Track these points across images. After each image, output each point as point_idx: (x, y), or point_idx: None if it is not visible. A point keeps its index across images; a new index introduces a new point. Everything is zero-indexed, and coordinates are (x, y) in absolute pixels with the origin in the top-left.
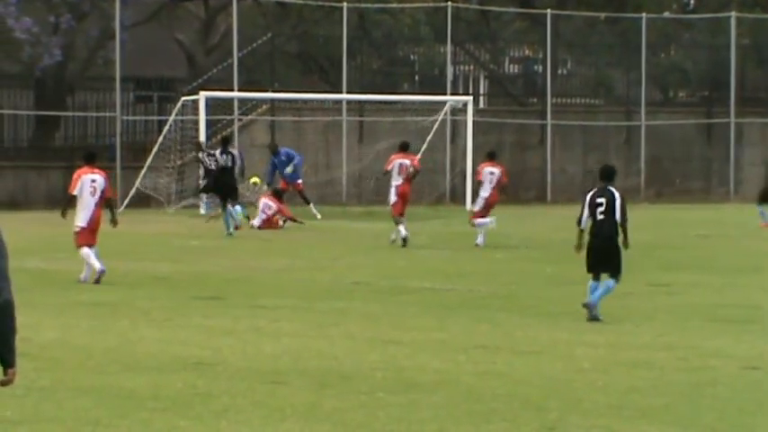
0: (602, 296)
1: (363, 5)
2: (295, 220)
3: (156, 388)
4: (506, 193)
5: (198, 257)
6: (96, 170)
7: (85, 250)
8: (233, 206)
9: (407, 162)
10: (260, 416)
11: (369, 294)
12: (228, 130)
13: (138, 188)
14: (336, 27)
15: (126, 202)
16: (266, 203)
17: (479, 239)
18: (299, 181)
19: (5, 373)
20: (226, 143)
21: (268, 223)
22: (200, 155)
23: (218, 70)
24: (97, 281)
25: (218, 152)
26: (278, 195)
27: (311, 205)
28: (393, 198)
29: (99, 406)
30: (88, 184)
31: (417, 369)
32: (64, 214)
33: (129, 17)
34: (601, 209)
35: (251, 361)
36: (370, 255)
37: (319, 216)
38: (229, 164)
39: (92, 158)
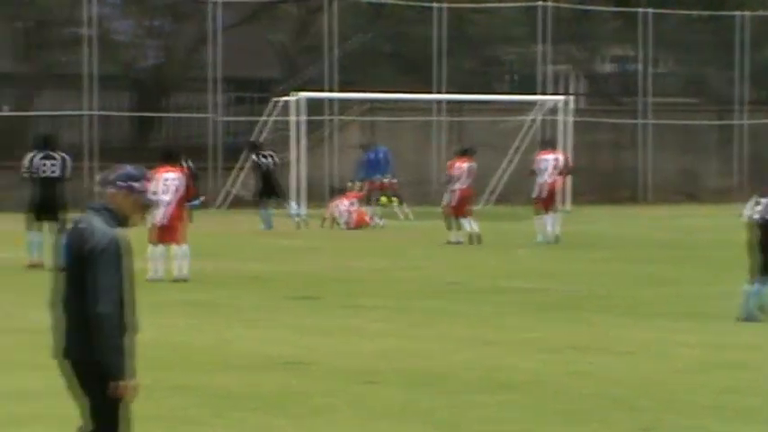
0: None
1: (458, 5)
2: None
3: (251, 387)
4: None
5: (292, 257)
6: (173, 168)
7: (152, 248)
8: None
9: (474, 166)
10: (354, 415)
11: (463, 294)
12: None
13: (230, 190)
14: (431, 27)
15: (220, 202)
16: (351, 203)
17: (549, 232)
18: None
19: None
20: (254, 148)
21: (358, 222)
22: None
23: (315, 71)
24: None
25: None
26: (339, 193)
27: (395, 205)
28: (454, 200)
29: (196, 404)
30: (162, 182)
31: (510, 369)
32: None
33: (226, 19)
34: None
35: (345, 360)
36: (465, 255)
37: (401, 216)
38: (271, 166)
39: (168, 157)
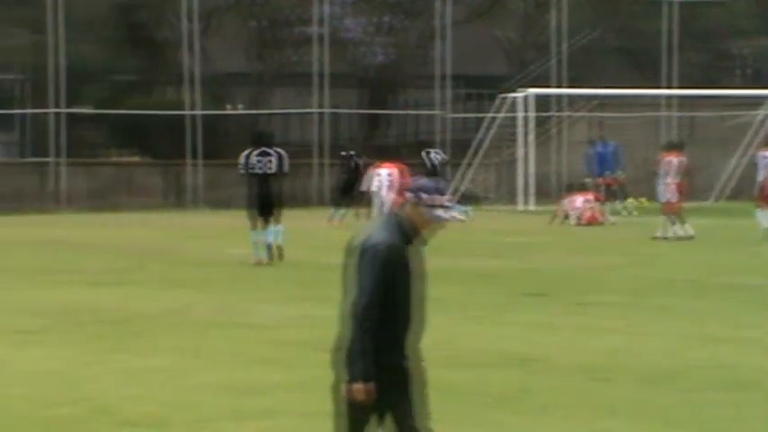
0: None
1: None
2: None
3: (480, 383)
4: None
5: (522, 254)
6: (391, 164)
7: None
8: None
9: (684, 160)
10: (584, 412)
11: (695, 291)
12: (553, 127)
13: (462, 188)
14: (660, 21)
15: (453, 197)
16: (583, 199)
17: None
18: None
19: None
20: (425, 145)
21: (589, 219)
22: (423, 154)
23: (544, 67)
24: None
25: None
26: (577, 189)
27: (617, 202)
28: (672, 195)
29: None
30: (376, 177)
31: (745, 367)
32: (357, 214)
33: (455, 15)
34: None
35: (575, 357)
36: (695, 251)
37: (625, 213)
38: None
39: (386, 153)
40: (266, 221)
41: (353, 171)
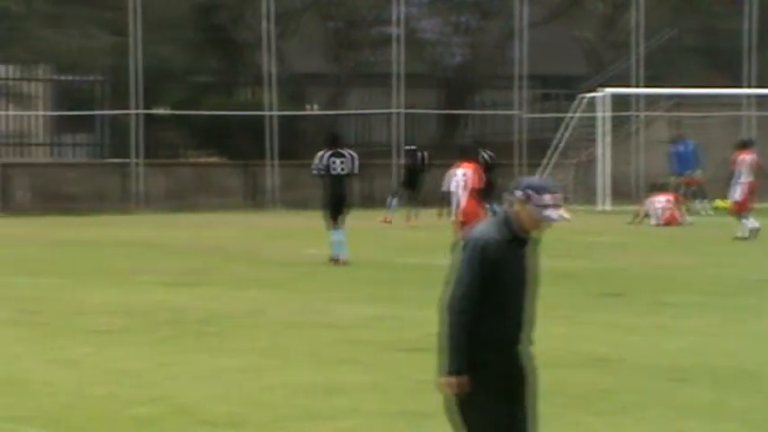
0: None
1: None
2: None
3: (560, 384)
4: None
5: (602, 254)
6: (467, 164)
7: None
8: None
9: (755, 158)
10: (663, 413)
11: None
12: (629, 126)
13: None
14: (741, 20)
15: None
16: (659, 200)
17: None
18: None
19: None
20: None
21: (668, 220)
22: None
23: (621, 67)
24: None
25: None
26: (659, 189)
27: (696, 202)
28: (741, 194)
29: None
30: (454, 178)
31: None
32: (439, 214)
33: (533, 15)
34: None
35: (654, 358)
36: None
37: (701, 214)
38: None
39: (465, 153)
40: (337, 221)
41: (419, 165)
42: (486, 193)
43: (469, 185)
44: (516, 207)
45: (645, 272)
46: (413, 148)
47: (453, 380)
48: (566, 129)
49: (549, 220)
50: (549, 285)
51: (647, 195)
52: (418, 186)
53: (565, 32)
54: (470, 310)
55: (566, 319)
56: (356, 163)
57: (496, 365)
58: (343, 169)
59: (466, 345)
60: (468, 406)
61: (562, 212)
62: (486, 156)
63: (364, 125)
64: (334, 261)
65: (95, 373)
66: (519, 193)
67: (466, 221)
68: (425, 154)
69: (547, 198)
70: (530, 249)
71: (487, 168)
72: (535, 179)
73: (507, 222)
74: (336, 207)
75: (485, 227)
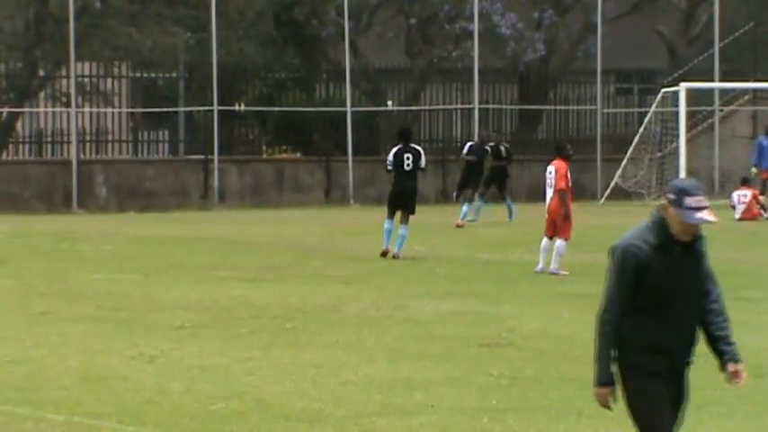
0: None
1: None
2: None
3: None
4: None
5: None
6: (558, 162)
7: (543, 242)
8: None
9: None
10: (743, 410)
11: None
12: (709, 121)
13: (617, 183)
14: None
15: (606, 193)
16: (740, 194)
17: None
18: None
19: (725, 368)
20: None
21: (748, 214)
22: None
23: (699, 61)
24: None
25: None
26: (746, 183)
27: None
28: None
29: (582, 396)
30: (547, 175)
31: None
32: (567, 216)
33: (611, 10)
34: None
35: None
36: None
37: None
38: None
39: (560, 151)
40: (401, 215)
41: (503, 159)
42: (498, 184)
43: (559, 184)
44: (667, 212)
45: (725, 266)
46: (491, 143)
47: (599, 391)
48: (647, 124)
49: (700, 221)
50: None
51: (737, 187)
52: (504, 181)
53: (643, 27)
54: (614, 320)
55: None
56: (423, 158)
57: (655, 368)
58: (408, 165)
59: (609, 357)
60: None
61: (710, 215)
62: (502, 148)
63: (442, 121)
64: (385, 251)
65: (175, 368)
66: (671, 196)
67: (552, 220)
68: (506, 145)
69: (698, 200)
70: (693, 252)
71: (500, 160)
72: (685, 181)
73: (661, 226)
74: (397, 201)
75: (634, 232)
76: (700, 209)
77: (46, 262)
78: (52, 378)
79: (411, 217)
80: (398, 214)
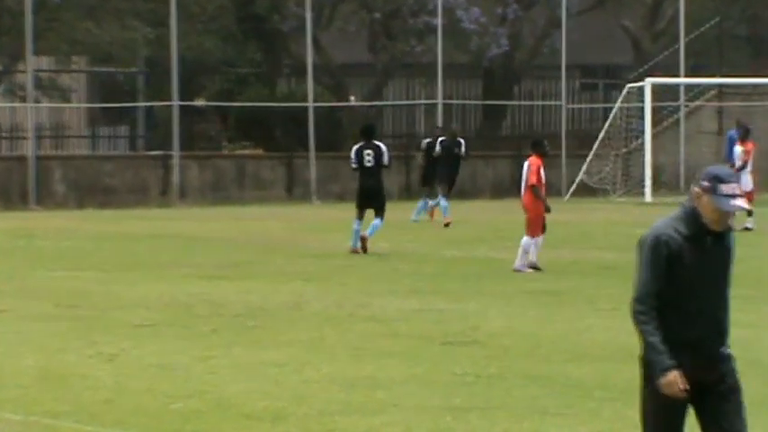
0: None
1: None
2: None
3: (604, 378)
4: None
5: None
6: (531, 158)
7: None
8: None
9: None
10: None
11: None
12: (675, 116)
13: (582, 179)
14: None
15: (571, 190)
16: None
17: None
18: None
19: None
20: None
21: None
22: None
23: (665, 56)
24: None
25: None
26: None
27: None
28: None
29: (547, 395)
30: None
31: None
32: (547, 209)
33: (575, 5)
34: None
35: None
36: None
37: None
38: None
39: (536, 146)
40: (363, 213)
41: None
42: (426, 180)
43: (531, 180)
44: (698, 200)
45: None
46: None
47: (666, 380)
48: (612, 119)
49: (734, 209)
50: (591, 278)
51: None
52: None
53: (608, 22)
54: (649, 311)
55: (612, 313)
56: (385, 155)
57: (691, 368)
58: (369, 161)
59: (660, 341)
60: (647, 405)
61: (745, 202)
62: (438, 143)
63: (405, 116)
64: (354, 251)
65: (134, 367)
66: (705, 183)
67: (530, 216)
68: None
69: (732, 187)
70: (723, 243)
71: (430, 154)
72: (719, 168)
73: (692, 216)
74: (363, 200)
75: (665, 222)
76: (734, 196)
77: (2, 259)
78: (9, 377)
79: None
80: (360, 211)
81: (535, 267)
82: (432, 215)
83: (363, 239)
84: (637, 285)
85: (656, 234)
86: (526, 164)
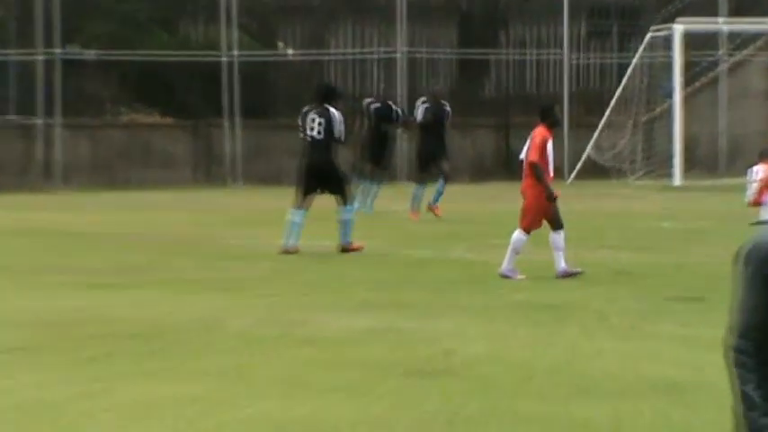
0: None
1: None
2: None
3: (617, 418)
4: None
5: (672, 244)
6: (538, 127)
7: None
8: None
9: None
10: None
11: None
12: (713, 72)
13: (589, 156)
14: None
15: (576, 170)
16: (758, 170)
17: None
18: None
19: None
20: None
21: (760, 197)
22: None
23: None
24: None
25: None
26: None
27: None
28: None
29: None
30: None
31: None
32: (549, 196)
33: None
34: None
35: None
36: None
37: None
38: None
39: (543, 114)
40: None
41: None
42: (375, 155)
43: (530, 157)
44: None
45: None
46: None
47: None
48: (629, 77)
49: None
50: (600, 286)
51: (756, 163)
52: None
53: None
54: (756, 352)
55: (623, 332)
56: (337, 125)
57: None
58: (318, 132)
59: (760, 404)
60: None
61: None
62: (396, 109)
63: (355, 72)
64: (287, 251)
65: None
66: None
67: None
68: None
69: None
70: None
71: (380, 123)
72: None
73: None
74: (309, 180)
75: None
76: None
77: None
78: None
79: (340, 199)
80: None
81: (570, 274)
82: (436, 209)
83: (345, 250)
84: (736, 315)
85: (758, 246)
86: (531, 137)
